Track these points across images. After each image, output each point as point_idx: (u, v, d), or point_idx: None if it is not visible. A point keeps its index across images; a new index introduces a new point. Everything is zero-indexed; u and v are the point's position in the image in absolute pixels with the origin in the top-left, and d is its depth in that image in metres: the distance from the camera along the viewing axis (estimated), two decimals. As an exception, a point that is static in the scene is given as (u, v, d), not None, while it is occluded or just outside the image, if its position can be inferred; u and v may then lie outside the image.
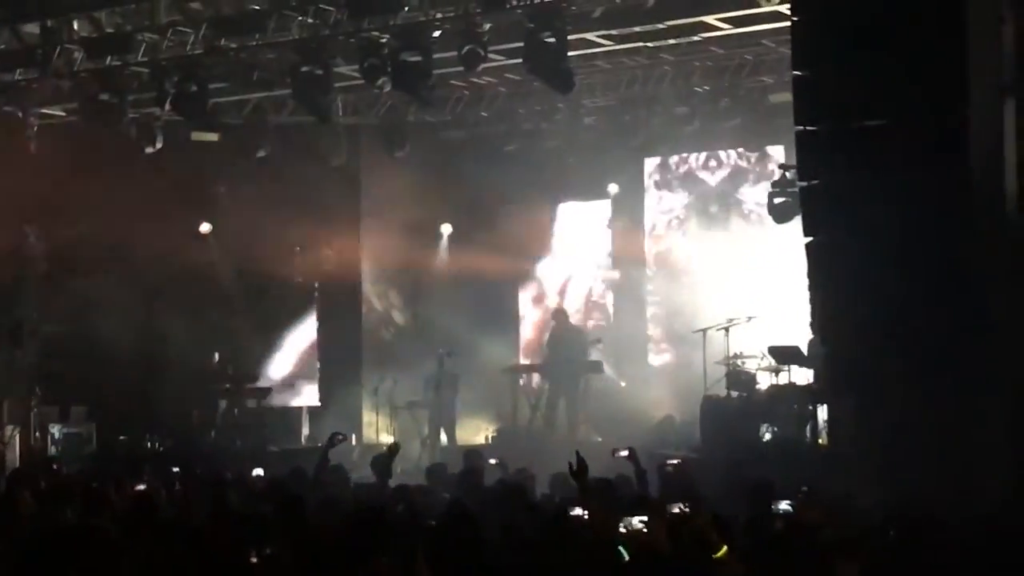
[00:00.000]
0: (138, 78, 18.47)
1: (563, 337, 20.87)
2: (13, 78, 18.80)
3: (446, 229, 23.43)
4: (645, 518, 7.14)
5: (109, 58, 18.02)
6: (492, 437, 20.57)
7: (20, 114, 18.92)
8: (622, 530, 6.98)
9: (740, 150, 20.88)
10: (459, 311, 21.65)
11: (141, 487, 10.40)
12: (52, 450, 19.76)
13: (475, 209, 22.39)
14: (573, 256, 23.13)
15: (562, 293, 23.08)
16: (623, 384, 21.17)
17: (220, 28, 17.33)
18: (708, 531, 6.71)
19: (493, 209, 22.46)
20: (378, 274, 23.71)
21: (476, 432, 21.44)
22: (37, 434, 19.99)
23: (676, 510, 7.35)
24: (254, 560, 6.97)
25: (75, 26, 18.20)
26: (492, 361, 21.27)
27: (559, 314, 21.41)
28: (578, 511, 7.54)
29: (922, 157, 11.97)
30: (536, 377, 21.17)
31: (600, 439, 18.94)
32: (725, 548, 6.71)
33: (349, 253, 23.25)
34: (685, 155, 21.81)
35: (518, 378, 20.94)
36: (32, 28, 18.37)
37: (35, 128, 19.45)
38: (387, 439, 21.22)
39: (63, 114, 20.20)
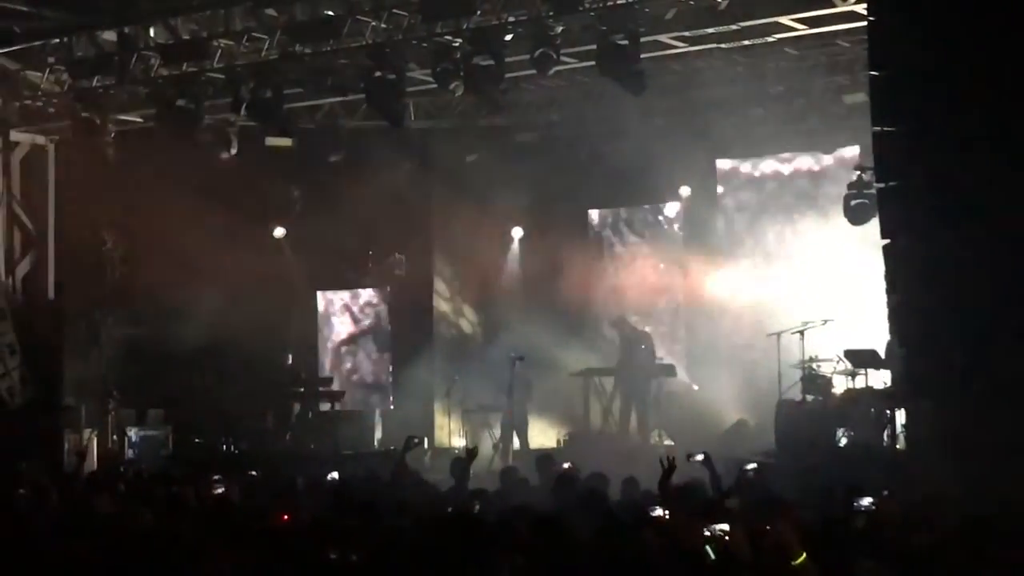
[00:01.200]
0: (213, 84, 18.65)
1: (628, 344, 20.78)
2: (91, 84, 19.05)
3: (517, 232, 23.44)
4: (727, 526, 7.10)
5: (185, 64, 18.21)
6: (564, 441, 20.51)
7: (98, 120, 19.13)
8: (706, 534, 6.95)
9: (814, 151, 20.67)
10: (530, 315, 21.64)
11: (220, 490, 10.45)
12: (129, 453, 19.99)
13: (546, 212, 22.37)
14: (645, 259, 23.02)
15: (630, 296, 22.97)
16: (696, 388, 21.05)
17: (294, 34, 17.47)
18: (789, 538, 6.67)
19: (564, 212, 22.44)
20: (450, 278, 23.78)
21: (548, 436, 21.41)
22: (115, 437, 20.23)
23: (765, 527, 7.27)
24: (332, 563, 7.00)
25: (152, 33, 18.42)
26: (563, 365, 21.23)
27: (620, 322, 21.32)
28: (658, 512, 7.51)
29: (1003, 158, 11.81)
30: (608, 381, 21.08)
31: (673, 443, 18.86)
32: (804, 556, 6.66)
33: (421, 257, 23.35)
34: (758, 157, 21.63)
35: (589, 382, 20.87)
36: (109, 35, 18.61)
37: (112, 134, 19.67)
38: (459, 442, 21.30)
39: (140, 120, 20.44)
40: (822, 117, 19.33)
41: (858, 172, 18.56)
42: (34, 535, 9.03)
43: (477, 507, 9.07)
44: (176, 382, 20.95)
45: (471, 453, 11.44)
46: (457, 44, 16.74)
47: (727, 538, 6.88)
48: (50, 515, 10.12)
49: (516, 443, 20.73)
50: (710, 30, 16.72)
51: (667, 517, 7.45)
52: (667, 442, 19.27)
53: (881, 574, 6.74)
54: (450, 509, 9.22)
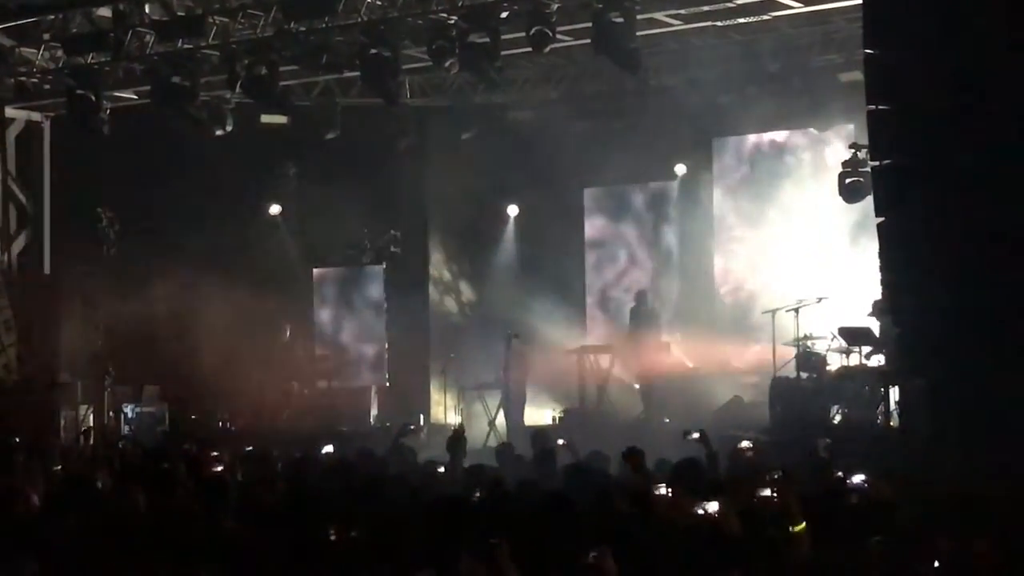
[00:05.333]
0: (209, 61, 18.65)
1: (641, 319, 20.75)
2: (86, 61, 19.03)
3: (513, 210, 23.44)
4: (716, 504, 7.16)
5: (180, 41, 18.21)
6: (559, 418, 20.55)
7: (93, 97, 19.11)
8: (699, 512, 7.02)
9: (810, 130, 20.67)
10: (526, 292, 21.67)
11: (218, 468, 10.48)
12: (125, 429, 20.02)
13: (542, 190, 22.36)
14: (639, 237, 23.04)
15: (627, 274, 23.00)
16: (690, 365, 21.07)
17: (290, 11, 17.46)
18: (792, 506, 6.76)
19: (559, 190, 22.44)
20: (445, 255, 23.79)
21: (543, 413, 21.45)
22: (111, 413, 20.26)
23: (765, 493, 7.37)
24: (331, 539, 7.04)
25: (147, 9, 18.41)
26: (558, 342, 21.26)
27: (641, 295, 21.29)
28: (661, 490, 7.58)
29: (998, 136, 11.83)
30: (604, 358, 21.07)
31: (668, 420, 18.90)
32: (804, 524, 6.76)
33: (416, 234, 23.34)
34: (753, 135, 21.62)
35: (584, 359, 20.88)
36: (104, 12, 18.60)
37: (107, 111, 19.64)
38: (455, 419, 21.34)
39: (135, 97, 20.43)
40: (817, 95, 19.31)
41: (853, 150, 18.58)
42: (29, 511, 9.06)
43: (477, 492, 9.06)
44: (173, 359, 20.96)
45: (458, 432, 11.49)
46: (453, 21, 16.74)
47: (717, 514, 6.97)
48: (45, 491, 10.13)
49: (512, 419, 20.76)
50: (705, 8, 16.75)
51: (668, 495, 7.52)
52: (665, 420, 19.28)
53: (877, 550, 6.81)
54: (445, 489, 9.24)
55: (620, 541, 6.17)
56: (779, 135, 21.31)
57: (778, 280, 19.88)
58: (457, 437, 11.41)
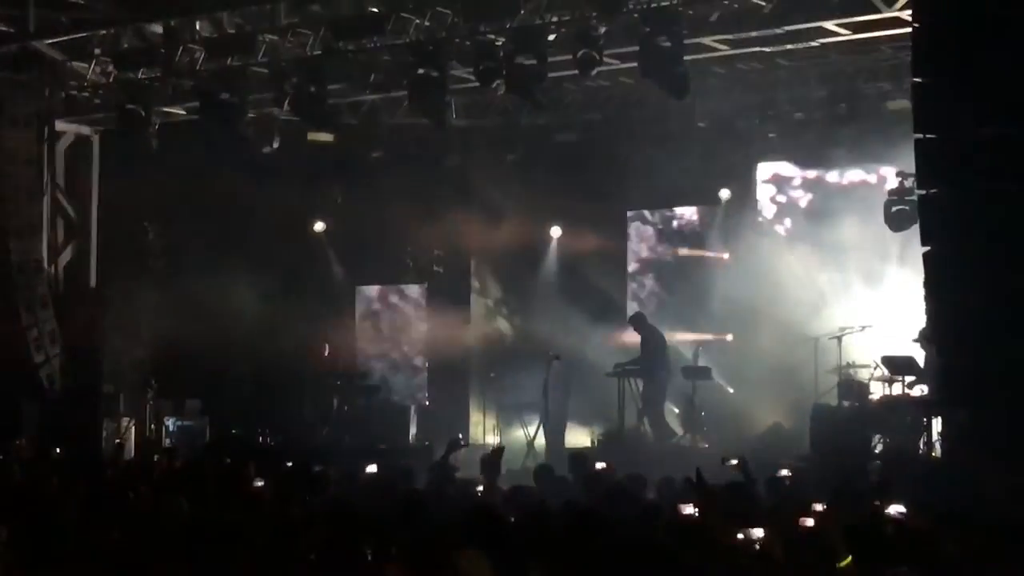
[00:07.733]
0: (257, 78, 18.78)
1: (644, 340, 20.64)
2: (136, 76, 19.22)
3: (556, 231, 23.44)
4: (760, 531, 7.12)
5: (230, 58, 18.36)
6: (598, 440, 20.48)
7: (142, 112, 19.29)
8: (739, 537, 6.98)
9: (856, 157, 20.58)
10: (568, 313, 21.64)
11: (259, 483, 10.51)
12: (166, 442, 20.12)
13: (585, 211, 22.35)
14: (682, 260, 22.99)
15: (668, 298, 22.94)
16: (731, 391, 20.99)
17: (338, 30, 17.58)
18: (836, 539, 6.72)
19: (603, 212, 22.43)
20: (488, 275, 23.81)
21: (582, 436, 21.40)
22: (152, 426, 20.37)
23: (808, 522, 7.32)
24: (369, 557, 7.04)
25: (197, 26, 18.59)
26: (599, 364, 21.20)
27: (635, 319, 21.17)
28: (689, 510, 7.54)
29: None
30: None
31: (707, 446, 18.82)
32: (850, 558, 6.71)
33: (459, 254, 23.39)
34: (799, 161, 21.55)
35: (624, 382, 20.81)
36: (155, 28, 18.79)
37: (156, 126, 19.82)
38: (493, 440, 21.33)
39: (184, 113, 20.59)
40: (864, 123, 19.24)
41: (899, 178, 18.49)
42: (64, 524, 9.10)
43: (512, 508, 9.05)
44: (215, 373, 21.06)
45: (498, 451, 11.48)
46: (500, 43, 16.79)
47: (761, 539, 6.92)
48: (81, 504, 10.18)
49: (552, 441, 20.71)
50: (754, 33, 16.72)
51: (698, 515, 7.48)
52: (703, 445, 19.21)
53: None
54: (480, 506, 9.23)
55: (661, 565, 6.15)
56: (824, 161, 21.22)
57: (821, 307, 19.77)
58: (493, 457, 11.39)
